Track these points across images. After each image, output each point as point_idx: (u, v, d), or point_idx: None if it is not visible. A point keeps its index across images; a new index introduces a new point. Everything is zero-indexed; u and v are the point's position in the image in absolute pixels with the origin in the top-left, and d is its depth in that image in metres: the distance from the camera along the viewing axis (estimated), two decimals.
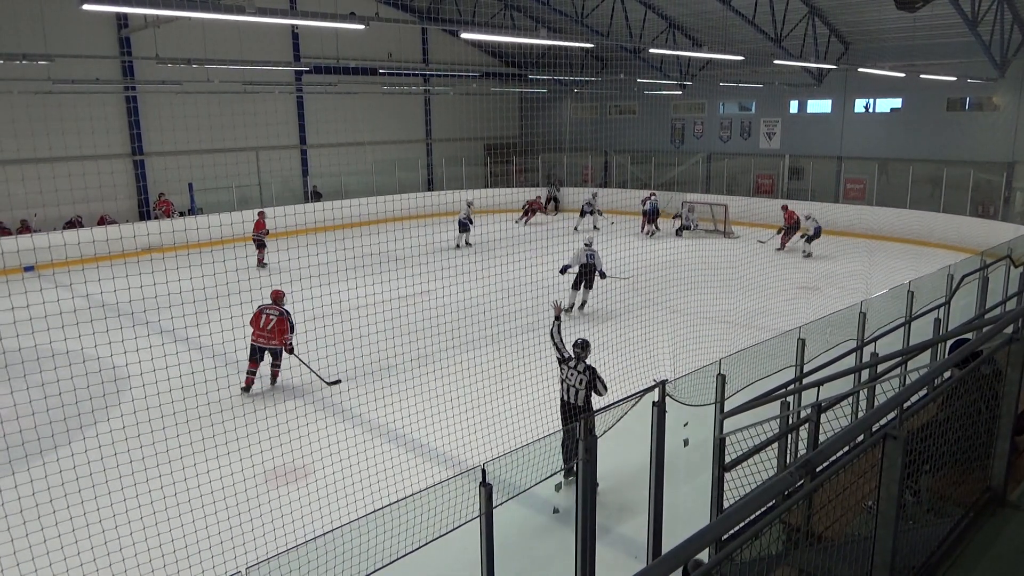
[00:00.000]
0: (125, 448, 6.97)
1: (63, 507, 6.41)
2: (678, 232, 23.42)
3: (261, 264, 18.89)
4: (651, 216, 23.52)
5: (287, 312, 10.65)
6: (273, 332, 10.40)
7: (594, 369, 7.57)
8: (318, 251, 13.13)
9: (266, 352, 10.52)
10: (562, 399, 7.75)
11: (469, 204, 22.76)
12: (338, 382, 10.71)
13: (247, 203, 23.28)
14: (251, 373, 10.40)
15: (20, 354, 7.41)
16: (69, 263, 14.25)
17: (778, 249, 20.66)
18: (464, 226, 22.04)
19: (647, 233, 23.52)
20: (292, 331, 10.62)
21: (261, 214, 19.29)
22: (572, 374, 7.59)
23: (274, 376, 10.72)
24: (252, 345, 10.43)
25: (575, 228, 24.56)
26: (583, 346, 7.62)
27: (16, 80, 17.70)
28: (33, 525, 6.13)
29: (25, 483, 6.83)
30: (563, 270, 14.51)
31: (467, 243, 22.31)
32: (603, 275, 14.49)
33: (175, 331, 11.96)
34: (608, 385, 7.59)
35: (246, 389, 10.35)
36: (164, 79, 20.10)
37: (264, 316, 10.53)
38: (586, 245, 14.72)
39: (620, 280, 15.43)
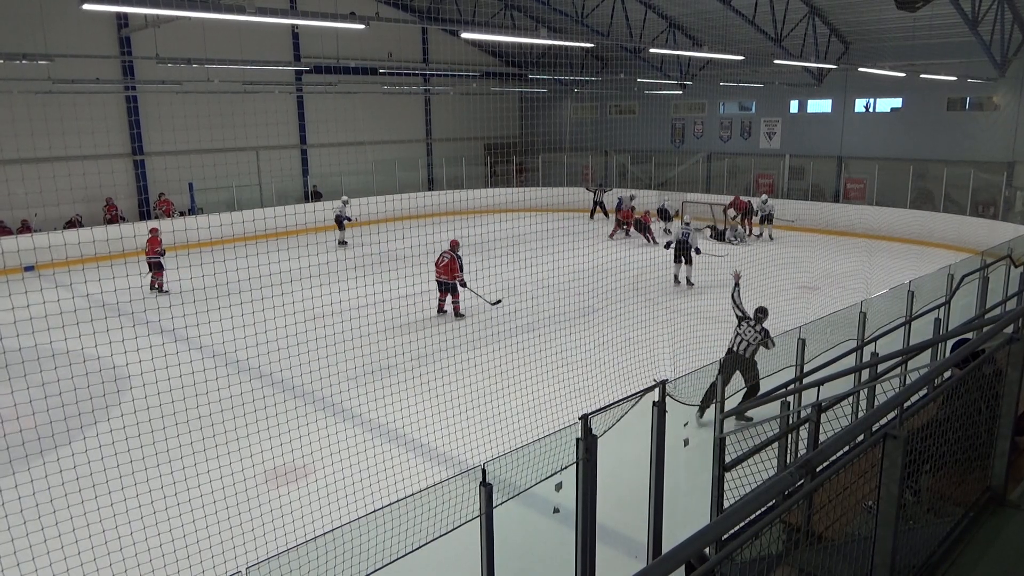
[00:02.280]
0: (125, 448, 6.97)
1: (63, 507, 6.41)
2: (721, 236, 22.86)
3: (160, 288, 16.18)
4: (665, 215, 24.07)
5: (459, 256, 14.04)
6: (445, 269, 13.92)
7: (767, 331, 8.76)
8: (318, 251, 13.14)
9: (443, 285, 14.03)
10: (730, 348, 8.87)
11: (345, 202, 22.89)
12: (499, 302, 14.18)
13: (247, 203, 23.29)
14: (441, 300, 14.25)
15: (20, 354, 7.41)
16: (69, 263, 14.25)
17: (755, 236, 22.74)
18: (340, 222, 22.49)
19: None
20: (461, 270, 13.99)
21: (154, 231, 16.48)
22: (749, 331, 8.79)
23: (454, 310, 14.16)
24: (436, 280, 14.20)
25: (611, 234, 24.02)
26: (764, 312, 9.00)
27: (16, 80, 17.71)
28: (33, 525, 6.13)
29: (25, 483, 6.83)
30: (666, 245, 16.94)
31: (342, 241, 22.49)
32: (698, 251, 16.28)
33: (175, 331, 11.97)
34: (774, 342, 8.48)
35: (440, 312, 14.25)
36: (164, 79, 20.10)
37: (440, 256, 14.09)
38: (685, 224, 16.66)
39: (716, 257, 16.86)
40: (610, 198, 25.66)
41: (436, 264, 14.15)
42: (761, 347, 8.68)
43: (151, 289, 16.20)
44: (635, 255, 18.54)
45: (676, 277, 16.37)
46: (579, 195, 27.99)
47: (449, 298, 14.16)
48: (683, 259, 16.27)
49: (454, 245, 14.22)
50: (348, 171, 26.73)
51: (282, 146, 26.03)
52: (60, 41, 19.26)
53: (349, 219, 22.82)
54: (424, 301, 14.17)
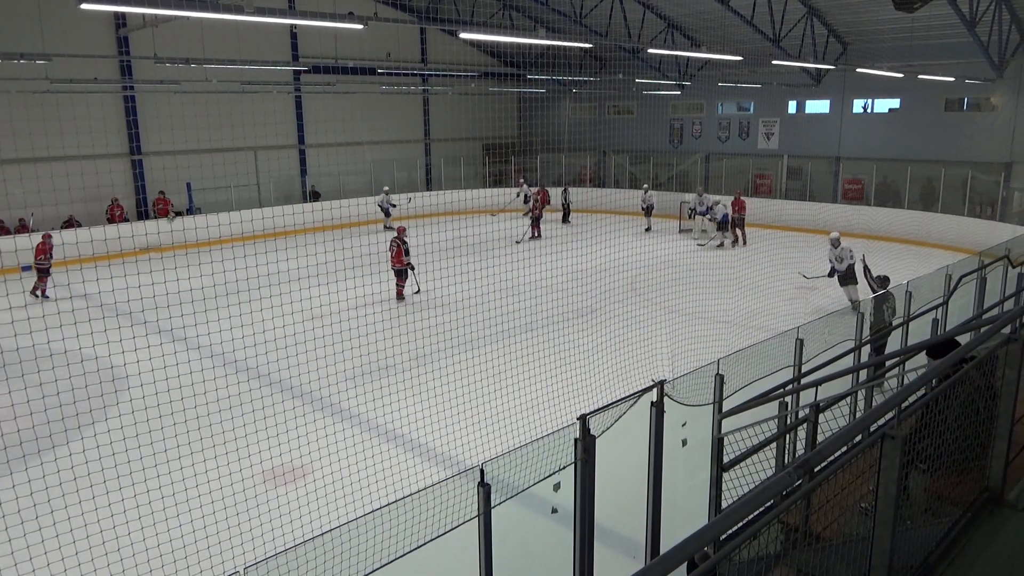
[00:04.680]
0: (123, 448, 6.96)
1: (61, 507, 6.40)
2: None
3: (43, 294, 15.45)
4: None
5: (404, 242, 15.17)
6: (394, 256, 15.16)
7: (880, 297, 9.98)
8: (316, 251, 13.13)
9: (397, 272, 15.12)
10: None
11: (386, 192, 23.85)
12: (418, 291, 15.70)
13: (245, 203, 23.29)
14: (399, 287, 15.46)
15: (18, 354, 7.40)
16: (67, 263, 14.23)
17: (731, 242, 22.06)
18: (386, 212, 23.45)
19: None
20: (407, 255, 15.16)
21: (47, 236, 16.27)
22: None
23: (398, 292, 15.42)
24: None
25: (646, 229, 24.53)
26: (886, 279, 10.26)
27: (14, 80, 17.68)
28: (31, 526, 6.12)
29: (23, 483, 6.82)
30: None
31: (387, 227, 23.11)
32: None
33: (173, 331, 11.96)
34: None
35: (399, 297, 15.42)
36: (162, 79, 20.08)
37: (390, 245, 15.34)
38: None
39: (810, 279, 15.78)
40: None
41: (389, 251, 15.43)
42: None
43: (32, 294, 15.37)
44: (634, 255, 18.53)
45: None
46: (579, 195, 27.99)
47: (405, 281, 15.44)
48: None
49: (401, 232, 15.48)
50: (346, 171, 26.72)
51: (280, 146, 26.02)
52: (58, 41, 19.24)
53: (394, 206, 23.91)
54: (424, 300, 14.17)
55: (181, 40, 19.95)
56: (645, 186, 26.03)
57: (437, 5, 26.57)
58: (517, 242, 21.74)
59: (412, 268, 15.43)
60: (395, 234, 15.57)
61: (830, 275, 14.38)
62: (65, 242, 16.72)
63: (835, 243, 14.39)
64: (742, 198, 22.43)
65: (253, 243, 14.55)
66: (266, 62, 20.90)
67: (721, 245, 21.51)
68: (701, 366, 6.04)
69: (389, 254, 15.48)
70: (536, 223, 23.06)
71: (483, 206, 26.92)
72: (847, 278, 14.05)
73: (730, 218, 21.87)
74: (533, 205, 23.29)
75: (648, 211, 24.84)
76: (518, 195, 26.15)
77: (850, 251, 14.10)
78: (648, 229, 24.40)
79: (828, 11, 22.55)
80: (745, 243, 21.87)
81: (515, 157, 31.08)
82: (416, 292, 15.72)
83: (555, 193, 27.93)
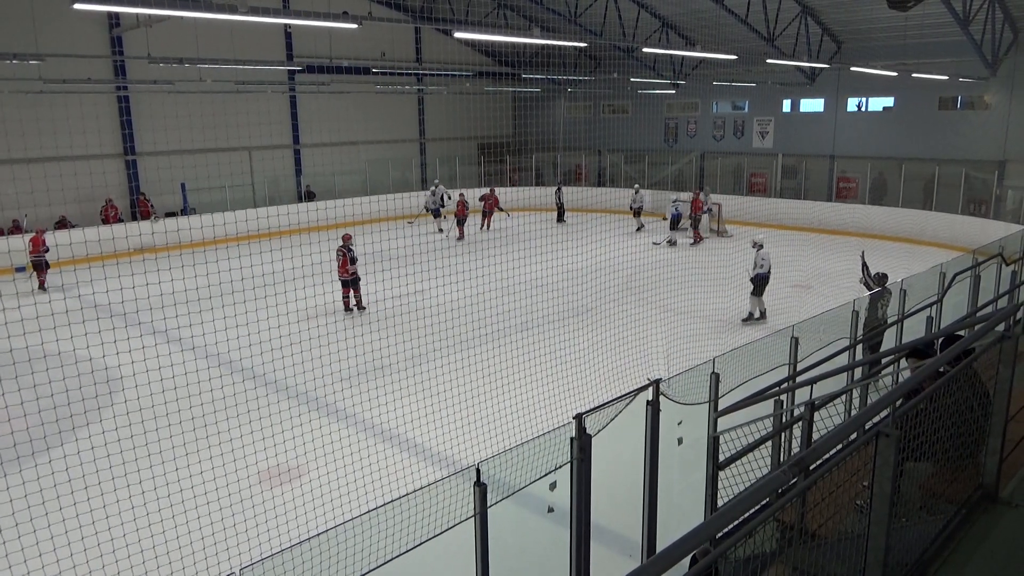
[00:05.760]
0: (118, 449, 6.94)
1: (56, 509, 6.37)
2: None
3: (43, 288, 16.59)
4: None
5: (350, 250, 14.20)
6: (340, 267, 14.16)
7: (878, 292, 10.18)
8: (311, 251, 13.08)
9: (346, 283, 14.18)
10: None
11: (436, 185, 23.64)
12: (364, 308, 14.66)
13: (240, 203, 23.23)
14: (345, 299, 14.40)
15: (12, 355, 7.37)
16: (61, 264, 14.18)
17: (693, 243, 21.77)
18: (436, 213, 23.09)
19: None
20: (352, 263, 14.14)
21: (40, 231, 16.98)
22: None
23: (357, 303, 14.48)
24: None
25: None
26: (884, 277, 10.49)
27: (7, 80, 17.60)
28: (26, 527, 6.09)
29: (17, 485, 6.80)
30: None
31: (440, 229, 23.09)
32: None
33: (168, 332, 11.92)
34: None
35: (346, 309, 14.44)
36: (156, 79, 20.01)
37: (336, 254, 14.20)
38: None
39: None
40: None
41: (337, 260, 14.38)
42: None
43: (40, 289, 16.47)
44: (631, 255, 18.55)
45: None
46: (574, 194, 28.00)
47: (352, 292, 14.41)
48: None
49: (346, 239, 14.37)
50: (341, 171, 26.68)
51: (275, 146, 25.97)
52: (51, 41, 19.16)
53: (443, 205, 23.74)
54: (422, 300, 14.15)
55: (175, 40, 19.91)
56: (636, 186, 25.93)
57: (432, 4, 26.54)
58: (436, 231, 22.59)
59: (358, 279, 14.39)
60: (341, 243, 14.37)
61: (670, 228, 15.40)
62: (59, 243, 16.66)
63: (755, 246, 14.20)
64: (700, 199, 22.50)
65: (248, 243, 14.53)
66: (260, 62, 20.84)
67: (671, 243, 21.45)
68: (696, 365, 6.05)
69: (335, 264, 14.30)
70: (461, 224, 22.54)
71: (476, 206, 26.88)
72: (756, 287, 13.78)
73: (692, 217, 22.04)
74: (460, 207, 22.76)
75: (637, 212, 24.67)
76: (434, 192, 24.93)
77: (767, 262, 13.81)
78: (640, 228, 24.22)
79: (822, 10, 22.61)
80: (700, 241, 21.81)
81: (510, 156, 31.08)
82: (360, 308, 14.64)
83: (548, 193, 28.00)
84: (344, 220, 23.21)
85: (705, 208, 22.89)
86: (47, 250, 16.50)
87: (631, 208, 24.87)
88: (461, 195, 23.12)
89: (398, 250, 20.87)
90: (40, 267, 16.58)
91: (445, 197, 24.64)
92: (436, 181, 25.48)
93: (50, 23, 19.38)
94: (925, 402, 3.39)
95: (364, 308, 14.59)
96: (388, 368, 11.07)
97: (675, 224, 21.98)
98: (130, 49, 21.26)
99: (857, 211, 23.01)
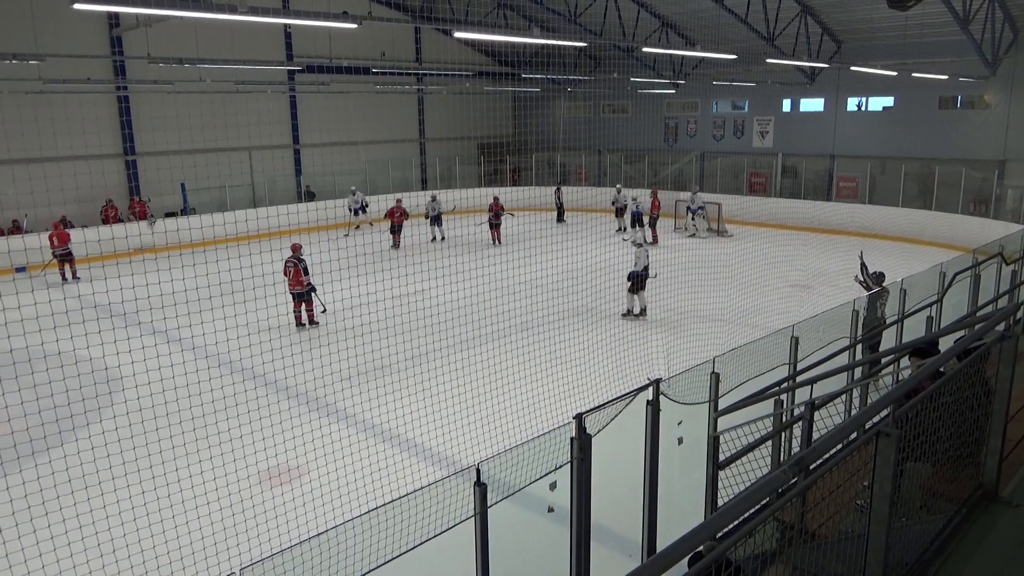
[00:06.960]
0: (118, 449, 6.94)
1: (56, 509, 6.37)
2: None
3: (75, 277, 17.70)
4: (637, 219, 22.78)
5: (301, 260, 13.17)
6: (293, 278, 13.13)
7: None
8: (311, 251, 13.09)
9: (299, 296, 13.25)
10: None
11: (433, 198, 22.97)
12: (324, 310, 13.72)
13: (239, 203, 23.23)
14: (297, 313, 13.35)
15: (12, 355, 7.37)
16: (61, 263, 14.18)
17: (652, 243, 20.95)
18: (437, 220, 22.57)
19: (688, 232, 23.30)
20: (305, 273, 13.17)
21: (57, 225, 18.07)
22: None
23: (309, 318, 13.40)
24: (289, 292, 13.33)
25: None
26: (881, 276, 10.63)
27: (7, 80, 17.60)
28: (26, 527, 6.09)
29: (17, 485, 6.80)
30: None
31: (442, 237, 22.73)
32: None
33: (168, 332, 11.92)
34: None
35: (298, 324, 13.36)
36: (156, 79, 20.01)
37: (285, 266, 13.18)
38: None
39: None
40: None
41: (284, 274, 13.25)
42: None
43: (73, 279, 17.56)
44: (629, 254, 18.51)
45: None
46: (574, 194, 27.99)
47: (304, 307, 13.41)
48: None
49: (296, 249, 13.31)
50: (341, 171, 26.68)
51: (275, 146, 25.97)
52: (51, 41, 19.17)
53: (364, 208, 23.50)
54: (421, 300, 14.15)
55: (175, 40, 19.89)
56: (618, 185, 25.28)
57: (432, 4, 26.54)
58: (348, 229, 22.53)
59: (314, 289, 13.53)
60: (291, 254, 13.41)
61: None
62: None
63: (635, 244, 14.36)
64: (658, 198, 22.13)
65: (248, 243, 14.54)
66: (260, 62, 20.86)
67: (637, 244, 20.63)
68: (696, 364, 6.05)
69: (286, 276, 13.38)
70: (395, 232, 21.61)
71: (480, 206, 26.86)
72: (635, 283, 13.78)
73: (647, 217, 21.82)
74: (391, 214, 21.83)
75: (620, 212, 24.02)
76: (354, 194, 24.24)
77: (641, 261, 13.78)
78: (620, 229, 23.59)
79: (822, 9, 22.60)
80: (656, 242, 21.07)
81: (510, 156, 31.08)
82: (323, 311, 13.91)
83: (548, 193, 27.95)
84: (343, 220, 23.28)
85: (695, 207, 22.70)
86: (69, 244, 17.66)
87: (612, 206, 24.36)
88: (398, 201, 21.96)
89: (399, 249, 20.87)
90: (71, 259, 17.74)
91: (364, 201, 24.05)
92: (353, 188, 24.36)
93: (50, 23, 19.39)
94: (925, 401, 3.38)
95: (317, 324, 13.59)
96: (388, 368, 11.07)
97: (636, 222, 21.90)
98: (130, 49, 21.25)
99: (857, 211, 23.01)
